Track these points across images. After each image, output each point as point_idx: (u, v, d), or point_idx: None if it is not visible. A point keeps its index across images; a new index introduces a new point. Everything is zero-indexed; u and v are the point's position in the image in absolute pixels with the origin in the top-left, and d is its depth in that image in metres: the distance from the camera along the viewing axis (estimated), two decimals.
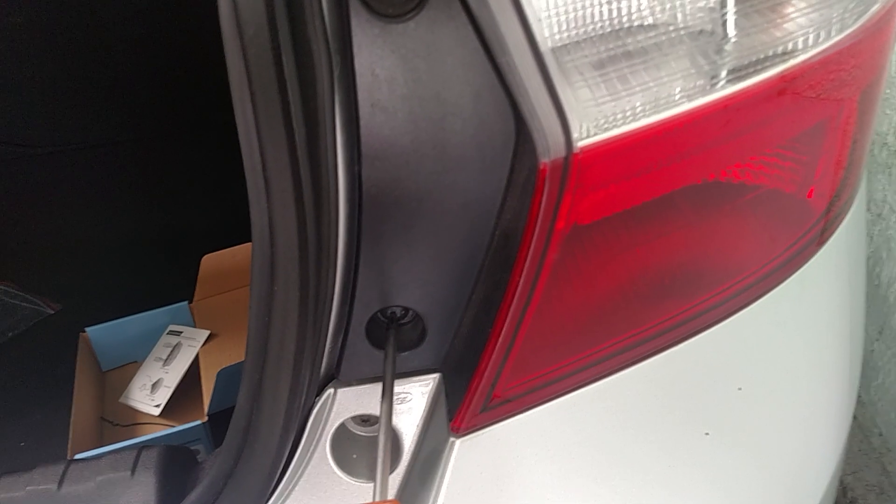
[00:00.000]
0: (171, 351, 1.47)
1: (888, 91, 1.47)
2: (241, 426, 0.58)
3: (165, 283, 1.60)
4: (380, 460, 0.53)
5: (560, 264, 0.51)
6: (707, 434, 0.63)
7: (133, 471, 0.75)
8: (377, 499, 0.51)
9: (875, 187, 1.57)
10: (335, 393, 0.62)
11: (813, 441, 0.70)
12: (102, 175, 1.93)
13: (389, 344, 0.58)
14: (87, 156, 1.95)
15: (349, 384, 0.62)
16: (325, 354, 0.60)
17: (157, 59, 1.97)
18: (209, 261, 1.53)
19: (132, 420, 1.43)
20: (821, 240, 0.71)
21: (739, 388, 0.64)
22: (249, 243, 1.55)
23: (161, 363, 1.46)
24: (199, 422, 1.24)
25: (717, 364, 0.64)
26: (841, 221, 0.71)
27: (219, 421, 1.27)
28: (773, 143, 0.59)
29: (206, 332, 1.47)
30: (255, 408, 0.56)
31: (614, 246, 0.53)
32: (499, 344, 0.54)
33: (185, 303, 1.54)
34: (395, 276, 0.57)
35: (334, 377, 0.63)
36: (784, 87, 0.53)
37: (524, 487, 0.58)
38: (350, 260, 0.56)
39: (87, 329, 1.51)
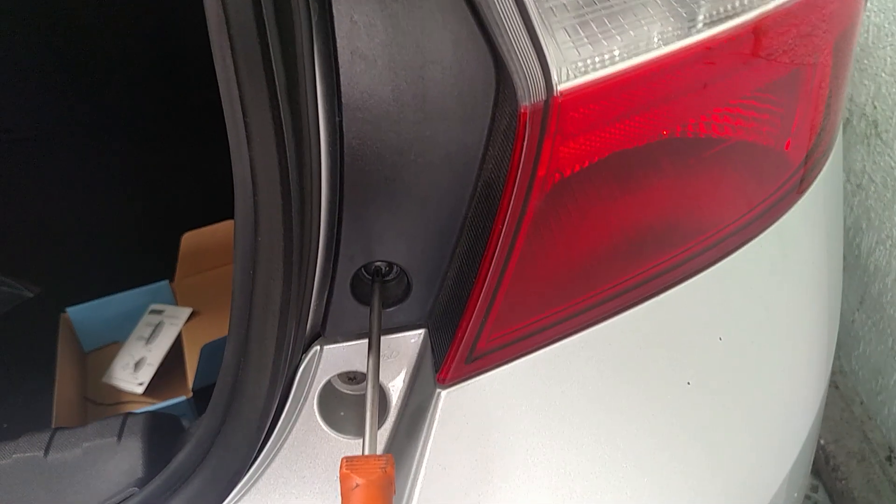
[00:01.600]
0: (154, 330, 1.47)
1: (865, 62, 1.49)
2: (227, 383, 0.58)
3: (146, 262, 1.59)
4: (368, 415, 0.53)
5: (541, 214, 0.51)
6: (689, 383, 0.63)
7: (119, 437, 0.74)
8: (367, 453, 0.51)
9: (854, 158, 1.59)
10: (321, 350, 0.62)
11: (793, 391, 0.71)
12: (82, 158, 1.91)
13: (374, 299, 0.59)
14: (67, 139, 1.92)
15: (335, 341, 0.62)
16: (311, 312, 0.60)
17: (137, 42, 1.95)
18: (190, 239, 1.52)
19: (116, 399, 1.42)
20: (799, 189, 0.72)
21: (720, 338, 0.65)
22: (230, 220, 1.55)
23: (144, 342, 1.46)
24: (183, 397, 1.24)
25: (698, 314, 0.64)
26: (818, 172, 0.72)
27: (204, 396, 1.27)
28: (749, 89, 0.60)
29: (189, 310, 1.46)
30: (242, 363, 0.56)
31: (594, 196, 0.53)
32: (482, 295, 0.54)
33: (167, 282, 1.53)
34: (378, 231, 0.57)
35: (320, 335, 0.63)
36: (760, 31, 0.53)
37: (509, 436, 0.59)
38: (332, 214, 0.56)
39: (67, 309, 1.50)
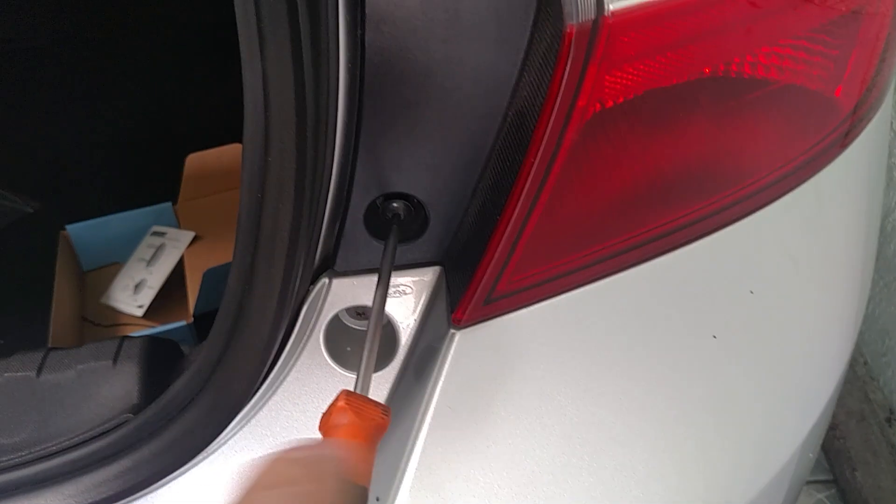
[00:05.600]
0: (155, 252, 1.44)
1: None
2: (231, 310, 0.55)
3: (149, 182, 1.55)
4: (366, 352, 0.50)
5: (577, 148, 0.47)
6: (715, 337, 0.60)
7: (115, 360, 0.72)
8: (358, 391, 0.48)
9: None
10: (330, 283, 0.59)
11: (821, 352, 0.68)
12: (87, 71, 1.84)
13: (391, 235, 0.55)
14: (68, 50, 1.85)
15: (345, 274, 0.59)
16: (321, 241, 0.57)
17: None
18: (194, 161, 1.48)
19: (114, 321, 1.40)
20: (843, 142, 0.68)
21: (751, 292, 0.61)
22: (236, 144, 1.50)
23: (144, 264, 1.43)
24: (183, 322, 1.22)
25: (728, 266, 0.61)
26: (866, 124, 0.68)
27: (205, 323, 1.25)
28: (803, 29, 0.55)
29: (192, 234, 1.43)
30: (247, 291, 0.53)
31: (633, 133, 0.49)
32: (507, 233, 0.50)
33: (169, 203, 1.49)
34: (397, 159, 0.53)
35: (329, 267, 0.59)
36: None
37: (524, 382, 0.56)
38: (349, 138, 0.52)
39: (67, 227, 1.46)
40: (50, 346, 1.25)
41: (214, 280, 1.21)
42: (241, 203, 0.50)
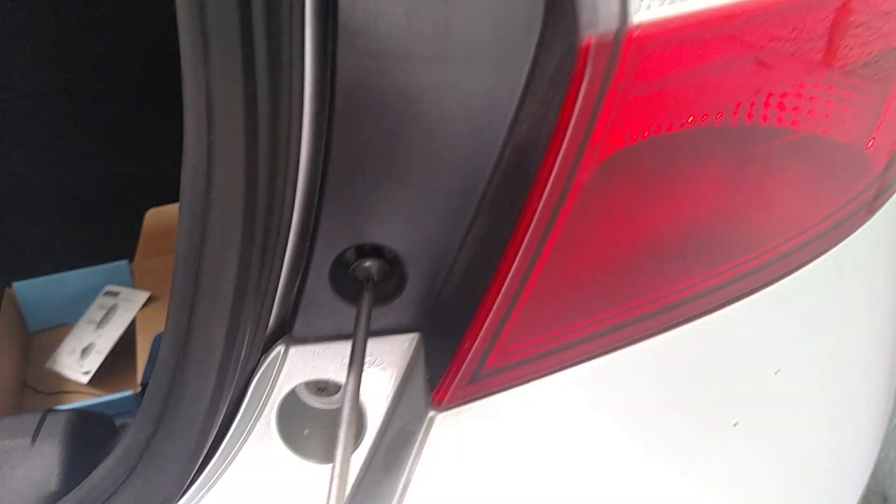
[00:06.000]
0: (107, 313, 1.33)
1: None
2: (161, 385, 0.45)
3: (105, 239, 1.45)
4: (341, 439, 0.40)
5: (589, 193, 0.38)
6: (736, 425, 0.51)
7: (35, 438, 0.61)
8: (335, 483, 0.38)
9: None
10: (286, 351, 0.49)
11: (853, 439, 0.59)
12: (43, 120, 1.75)
13: (364, 297, 0.46)
14: (25, 103, 1.77)
15: (304, 341, 0.50)
16: (276, 302, 0.47)
17: (103, 10, 1.81)
18: (154, 216, 1.38)
19: (58, 388, 1.28)
20: (871, 207, 0.60)
21: (777, 372, 0.52)
22: None
23: (94, 326, 1.31)
24: (131, 392, 1.10)
25: (751, 341, 0.52)
26: None
27: None
28: (838, 65, 0.48)
29: (146, 294, 1.32)
30: (181, 362, 0.43)
31: (653, 176, 0.41)
32: (501, 296, 0.41)
33: (125, 261, 1.39)
34: (370, 203, 0.44)
35: (286, 332, 0.50)
36: None
37: (515, 478, 0.47)
38: (314, 175, 0.43)
39: (14, 284, 1.35)
40: None
41: None
42: (177, 251, 0.40)
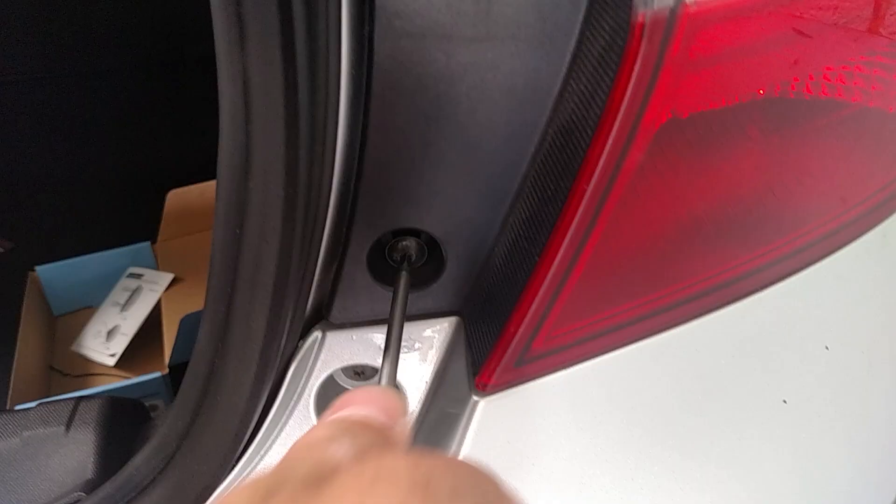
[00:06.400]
0: (131, 295, 1.33)
1: None
2: (200, 373, 0.45)
3: (127, 220, 1.45)
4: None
5: (642, 171, 0.37)
6: (785, 402, 0.50)
7: (68, 426, 0.61)
8: None
9: None
10: (323, 336, 0.49)
11: None
12: (65, 104, 1.75)
13: (401, 278, 0.45)
14: (47, 86, 1.76)
15: (342, 327, 0.49)
16: (314, 288, 0.47)
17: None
18: (175, 197, 1.38)
19: (84, 370, 1.28)
20: None
21: (827, 348, 0.51)
22: None
23: (119, 308, 1.31)
24: (158, 374, 1.11)
25: (801, 317, 0.51)
26: None
27: (181, 374, 1.14)
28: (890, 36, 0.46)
29: (170, 276, 1.32)
30: (220, 350, 0.42)
31: (705, 154, 0.40)
32: (547, 280, 0.40)
33: (148, 243, 1.38)
34: (408, 187, 0.43)
35: (323, 317, 0.49)
36: None
37: (562, 460, 0.46)
38: (350, 160, 0.42)
39: (37, 268, 1.35)
40: (10, 396, 1.14)
41: (193, 327, 1.10)
42: (213, 241, 0.40)
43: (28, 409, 0.62)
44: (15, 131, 1.74)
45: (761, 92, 0.40)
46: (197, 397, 0.46)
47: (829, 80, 0.42)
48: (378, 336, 0.49)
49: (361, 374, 0.52)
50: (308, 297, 0.45)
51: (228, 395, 0.43)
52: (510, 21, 0.38)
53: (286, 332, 0.43)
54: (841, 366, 0.52)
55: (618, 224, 0.39)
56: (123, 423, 0.63)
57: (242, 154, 0.35)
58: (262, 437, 0.49)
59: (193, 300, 1.29)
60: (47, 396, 1.23)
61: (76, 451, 0.59)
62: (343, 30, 0.37)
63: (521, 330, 0.42)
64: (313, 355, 0.49)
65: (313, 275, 0.45)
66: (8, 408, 1.10)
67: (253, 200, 0.36)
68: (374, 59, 0.38)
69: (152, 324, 1.28)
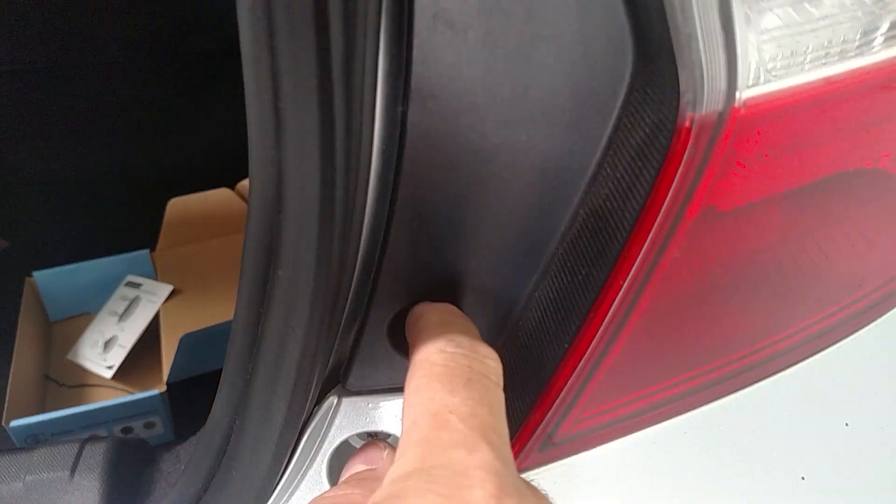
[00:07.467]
0: (129, 305, 1.31)
1: None
2: (214, 443, 0.44)
3: (126, 227, 1.43)
4: None
5: (679, 260, 0.36)
6: (803, 479, 0.50)
7: (73, 471, 0.60)
8: None
9: None
10: (339, 402, 0.48)
11: None
12: (64, 100, 1.72)
13: None
14: (45, 78, 1.73)
15: (358, 393, 0.48)
16: (332, 356, 0.46)
17: None
18: (177, 205, 1.36)
19: (81, 381, 1.27)
20: None
21: (846, 424, 0.51)
22: (224, 189, 1.35)
23: (116, 318, 1.30)
24: (156, 391, 1.09)
25: (823, 396, 0.51)
26: None
27: (179, 391, 1.12)
28: None
29: (169, 288, 1.30)
30: (238, 425, 0.41)
31: (743, 241, 0.39)
32: (582, 363, 0.39)
33: (147, 251, 1.37)
34: (434, 263, 0.42)
35: (339, 382, 0.48)
36: None
37: None
38: (376, 234, 0.41)
39: (34, 273, 1.34)
40: (6, 408, 1.12)
41: (192, 346, 1.09)
42: (235, 316, 0.39)
43: (32, 450, 0.61)
44: (9, 125, 1.71)
45: (804, 179, 0.39)
46: (209, 466, 0.45)
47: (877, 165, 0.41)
48: (396, 404, 0.48)
49: (375, 436, 0.51)
50: (326, 369, 0.44)
51: (245, 470, 0.42)
52: (546, 104, 0.37)
53: (308, 405, 0.42)
54: (859, 442, 0.51)
55: (652, 314, 0.38)
56: (129, 467, 0.62)
57: (266, 244, 0.34)
58: (272, 502, 0.48)
59: (192, 313, 1.27)
60: (42, 408, 1.22)
61: (80, 499, 0.58)
62: (377, 111, 0.36)
63: (550, 413, 0.41)
64: (328, 421, 0.48)
65: (332, 347, 0.44)
66: (3, 419, 1.08)
67: (280, 288, 0.35)
68: (405, 139, 0.37)
69: (150, 335, 1.27)
